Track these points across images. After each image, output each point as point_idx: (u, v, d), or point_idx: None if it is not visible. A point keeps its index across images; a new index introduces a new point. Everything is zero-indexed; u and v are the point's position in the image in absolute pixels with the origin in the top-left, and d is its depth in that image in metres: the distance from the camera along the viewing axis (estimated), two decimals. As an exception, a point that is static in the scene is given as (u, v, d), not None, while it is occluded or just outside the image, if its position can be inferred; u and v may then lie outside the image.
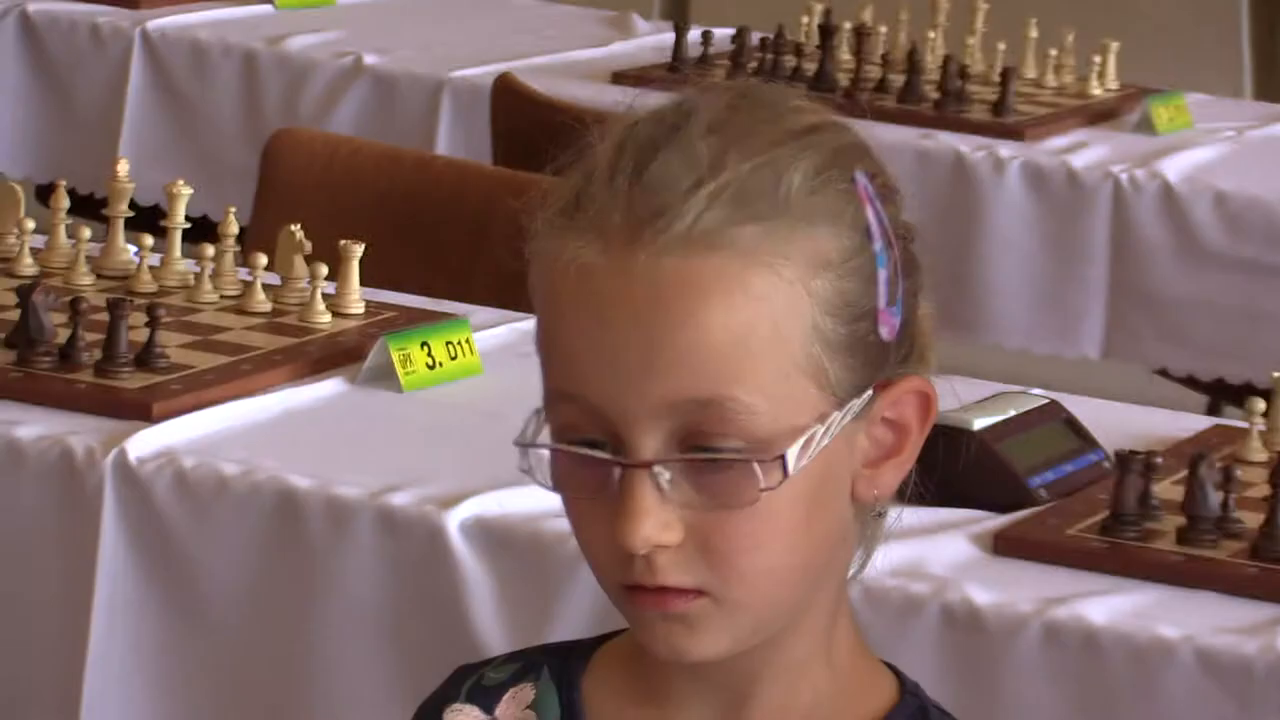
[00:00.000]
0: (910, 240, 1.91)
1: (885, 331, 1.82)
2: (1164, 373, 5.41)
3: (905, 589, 3.17)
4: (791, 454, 1.74)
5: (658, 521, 1.74)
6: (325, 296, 3.96)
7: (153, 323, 3.69)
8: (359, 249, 4.02)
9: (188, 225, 4.05)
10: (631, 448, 1.75)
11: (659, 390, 1.74)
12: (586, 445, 1.78)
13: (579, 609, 3.15)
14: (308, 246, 3.88)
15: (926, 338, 1.94)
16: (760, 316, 1.74)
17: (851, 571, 1.96)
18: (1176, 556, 3.23)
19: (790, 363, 1.76)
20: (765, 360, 1.75)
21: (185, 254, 4.04)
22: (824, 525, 1.82)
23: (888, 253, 1.83)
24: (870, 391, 1.81)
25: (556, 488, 1.82)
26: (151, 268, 4.08)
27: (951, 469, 3.28)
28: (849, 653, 1.92)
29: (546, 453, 1.80)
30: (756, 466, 1.73)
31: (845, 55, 5.79)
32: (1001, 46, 5.80)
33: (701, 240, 1.73)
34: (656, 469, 1.74)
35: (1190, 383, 5.44)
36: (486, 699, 2.03)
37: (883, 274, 1.81)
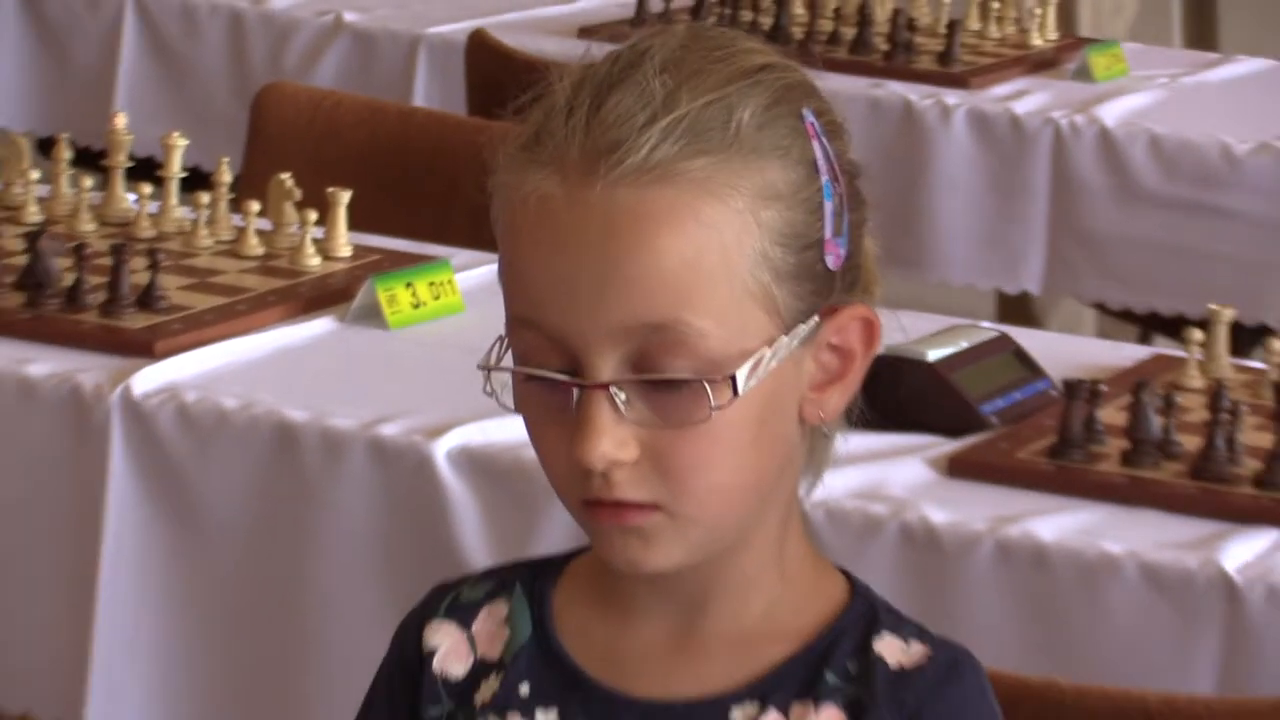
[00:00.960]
0: (856, 176, 1.92)
1: (831, 260, 1.83)
2: (1100, 306, 5.42)
3: (865, 510, 3.19)
4: (741, 375, 1.76)
5: (614, 439, 1.76)
6: (314, 241, 3.97)
7: (153, 266, 3.71)
8: (346, 196, 4.02)
9: (183, 175, 4.05)
10: (588, 370, 1.76)
11: (614, 315, 1.76)
12: (546, 365, 1.79)
13: (558, 531, 3.11)
14: (297, 194, 3.89)
15: (872, 270, 1.96)
16: (710, 244, 1.76)
17: (803, 491, 1.98)
18: (1120, 478, 3.27)
19: (740, 289, 1.78)
20: (715, 286, 1.77)
21: (181, 202, 4.06)
22: (772, 445, 1.85)
23: (834, 186, 1.84)
24: (816, 318, 1.83)
25: (518, 409, 1.84)
26: (150, 215, 4.09)
27: (908, 398, 3.35)
28: (800, 562, 1.94)
29: (509, 376, 1.82)
30: (707, 387, 1.75)
31: (799, 10, 5.77)
32: (947, 0, 5.78)
33: (655, 172, 1.75)
34: (613, 389, 1.76)
35: (1125, 315, 5.41)
36: (464, 614, 2.04)
37: (829, 206, 1.83)
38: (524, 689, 1.96)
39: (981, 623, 3.14)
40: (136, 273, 3.68)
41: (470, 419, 3.46)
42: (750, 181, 1.77)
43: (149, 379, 3.49)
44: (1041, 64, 5.66)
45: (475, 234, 4.18)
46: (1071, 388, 3.37)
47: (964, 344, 3.57)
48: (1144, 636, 3.13)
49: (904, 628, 1.90)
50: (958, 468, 3.35)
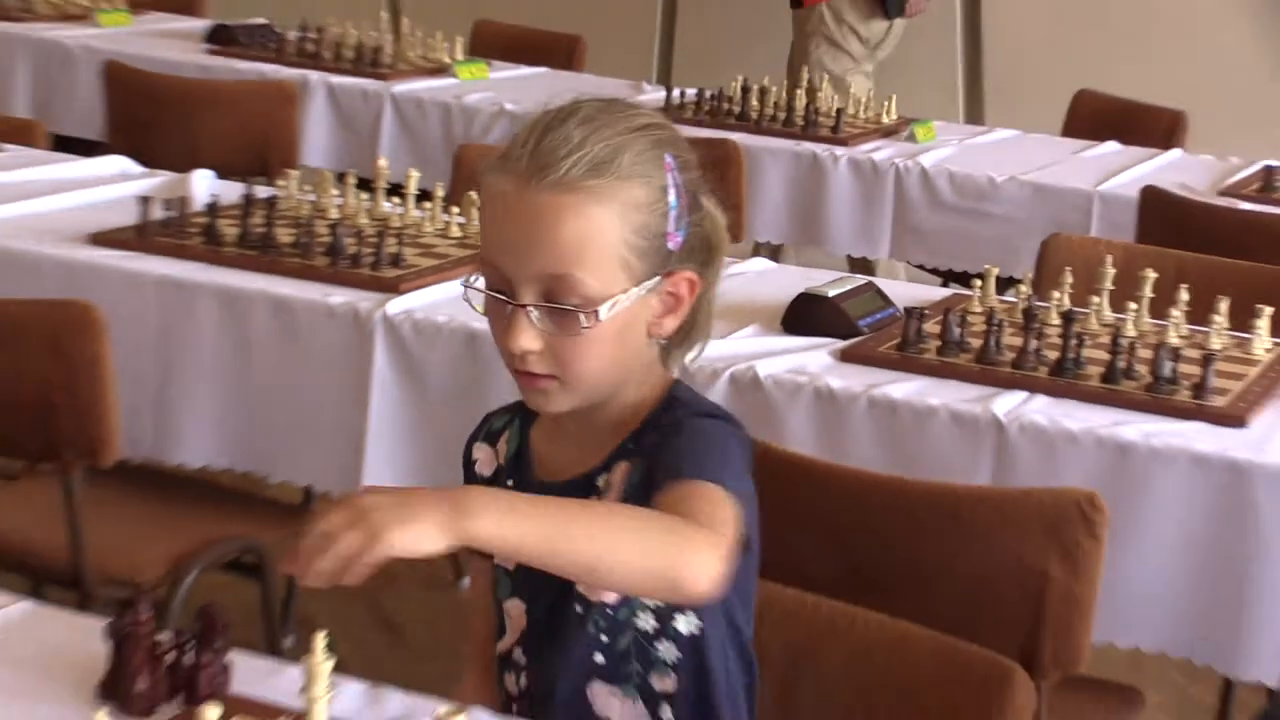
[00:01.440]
0: (698, 193, 2.00)
1: (671, 244, 1.96)
2: (920, 266, 5.50)
3: (793, 380, 3.26)
4: (604, 309, 1.91)
5: (528, 338, 1.91)
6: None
7: (400, 242, 3.69)
8: None
9: (416, 193, 4.08)
10: (517, 295, 1.91)
11: (533, 266, 1.90)
12: (497, 291, 1.93)
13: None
14: (478, 202, 3.92)
15: (716, 247, 2.05)
16: (593, 230, 1.90)
17: (690, 357, 2.10)
18: (936, 362, 3.33)
19: (610, 257, 1.92)
20: (594, 255, 1.91)
21: (415, 207, 4.08)
22: (625, 348, 1.97)
23: (679, 201, 1.95)
24: (659, 277, 1.97)
25: (483, 313, 1.97)
26: (398, 214, 4.07)
27: (818, 318, 3.44)
28: (649, 391, 2.03)
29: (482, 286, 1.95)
30: (582, 315, 1.90)
31: (754, 102, 5.70)
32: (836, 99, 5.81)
33: (565, 185, 1.88)
34: (529, 309, 1.91)
35: (933, 271, 5.48)
36: (492, 437, 2.17)
37: (673, 214, 1.94)
38: (510, 484, 2.10)
39: (860, 451, 3.17)
40: (390, 246, 3.68)
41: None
42: (623, 196, 1.91)
43: (397, 305, 3.48)
44: (889, 132, 5.69)
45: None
46: (909, 311, 3.41)
47: (847, 286, 3.60)
48: (953, 452, 3.15)
49: (682, 409, 1.98)
50: (847, 356, 3.37)
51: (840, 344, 3.45)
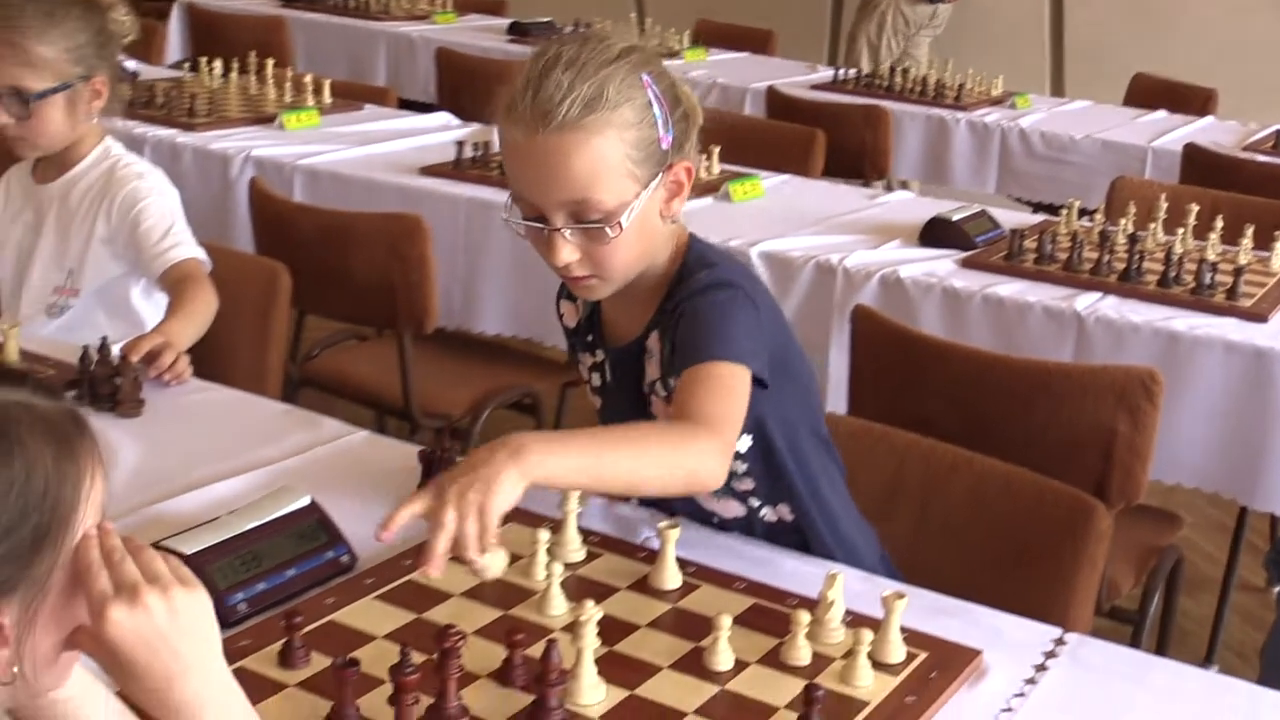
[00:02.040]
0: (677, 99, 1.75)
1: (664, 144, 1.71)
2: (1019, 199, 5.21)
3: (927, 280, 3.12)
4: (624, 219, 1.68)
5: (567, 252, 1.70)
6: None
7: None
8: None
9: None
10: (550, 221, 1.69)
11: (556, 197, 1.68)
12: (532, 219, 1.71)
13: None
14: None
15: (691, 118, 1.77)
16: (598, 158, 1.66)
17: (677, 221, 1.82)
18: (1032, 269, 3.16)
19: (617, 174, 1.67)
20: (604, 177, 1.67)
21: None
22: (646, 237, 1.73)
23: (661, 110, 1.70)
24: (660, 174, 1.72)
25: (524, 236, 1.76)
26: None
27: (945, 236, 3.26)
28: (673, 258, 1.80)
29: (519, 219, 1.73)
30: (607, 228, 1.68)
31: (898, 79, 5.52)
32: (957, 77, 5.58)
33: (566, 127, 1.64)
34: (563, 230, 1.69)
35: (1028, 203, 5.16)
36: (573, 297, 1.96)
37: (659, 121, 1.69)
38: (589, 339, 1.92)
39: (975, 335, 3.04)
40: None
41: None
42: (616, 121, 1.66)
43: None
44: (997, 101, 5.45)
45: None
46: (1013, 231, 3.27)
47: (966, 213, 3.44)
48: (1044, 338, 3.02)
49: (693, 281, 1.76)
50: (966, 264, 3.24)
51: (961, 255, 3.32)
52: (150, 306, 2.70)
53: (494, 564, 1.44)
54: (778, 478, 1.85)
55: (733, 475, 1.84)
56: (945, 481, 2.06)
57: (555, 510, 1.84)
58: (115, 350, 2.21)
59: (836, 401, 3.12)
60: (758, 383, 1.68)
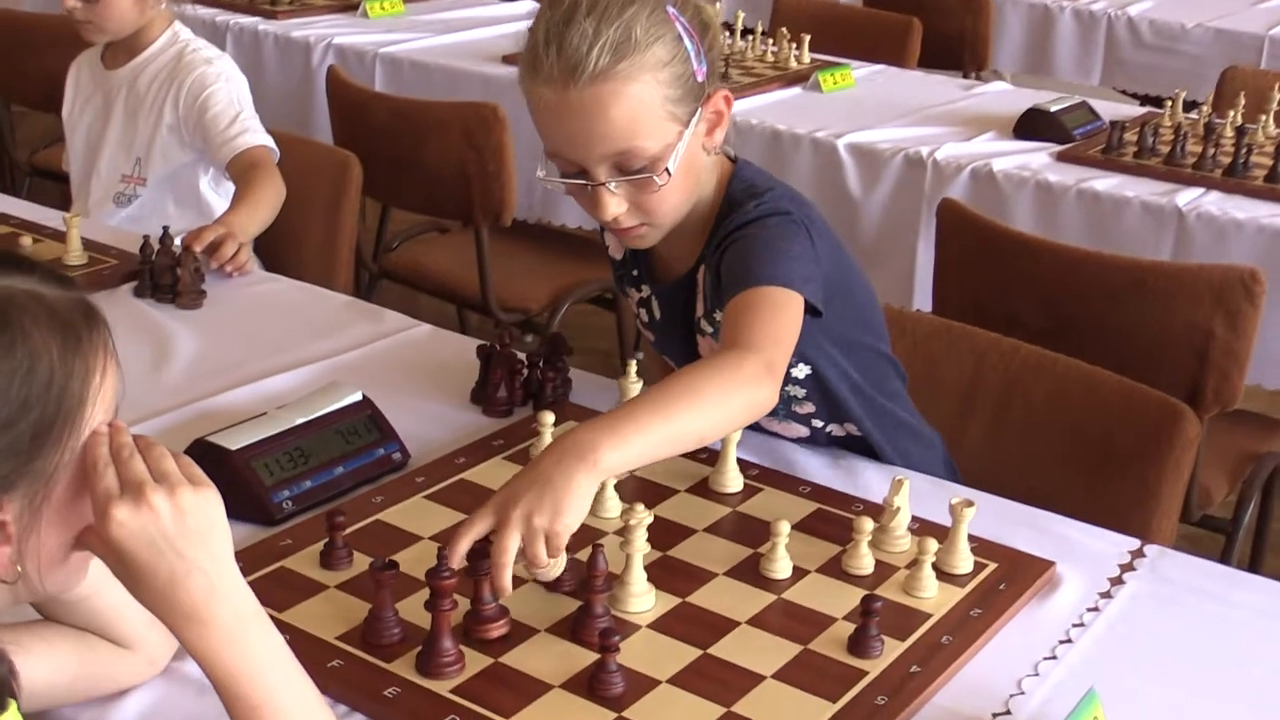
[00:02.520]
0: (704, 24, 1.64)
1: (699, 77, 1.60)
2: (1124, 91, 5.00)
3: (1020, 174, 3.02)
4: (671, 163, 1.58)
5: (614, 205, 1.60)
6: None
7: None
8: None
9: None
10: (593, 176, 1.59)
11: (599, 151, 1.57)
12: (573, 176, 1.61)
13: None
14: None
15: (715, 62, 1.65)
16: (636, 104, 1.55)
17: (724, 149, 1.73)
18: (1132, 163, 3.05)
19: (658, 118, 1.57)
20: (645, 123, 1.56)
21: None
22: (692, 178, 1.64)
23: (692, 42, 1.59)
24: (699, 109, 1.61)
25: (566, 193, 1.67)
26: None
27: (1041, 128, 3.14)
28: (718, 189, 1.71)
29: (557, 177, 1.64)
30: (655, 176, 1.58)
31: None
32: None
33: (598, 77, 1.53)
34: (608, 184, 1.59)
35: (1134, 95, 4.96)
36: None
37: (692, 54, 1.58)
38: (634, 273, 1.83)
39: (1069, 232, 2.93)
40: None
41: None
42: (649, 62, 1.55)
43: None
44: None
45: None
46: (1113, 123, 3.14)
47: (1066, 104, 3.32)
48: (1142, 234, 2.91)
49: (739, 211, 1.67)
50: (1062, 157, 3.12)
51: (1058, 148, 3.19)
52: (219, 196, 2.67)
53: (554, 570, 1.36)
54: (838, 402, 1.77)
55: (792, 400, 1.77)
56: (1026, 383, 1.96)
57: (610, 405, 1.78)
58: (177, 241, 2.17)
59: (922, 299, 3.03)
60: (811, 311, 1.59)
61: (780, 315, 1.54)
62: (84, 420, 1.04)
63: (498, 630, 1.34)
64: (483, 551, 1.32)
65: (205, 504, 1.05)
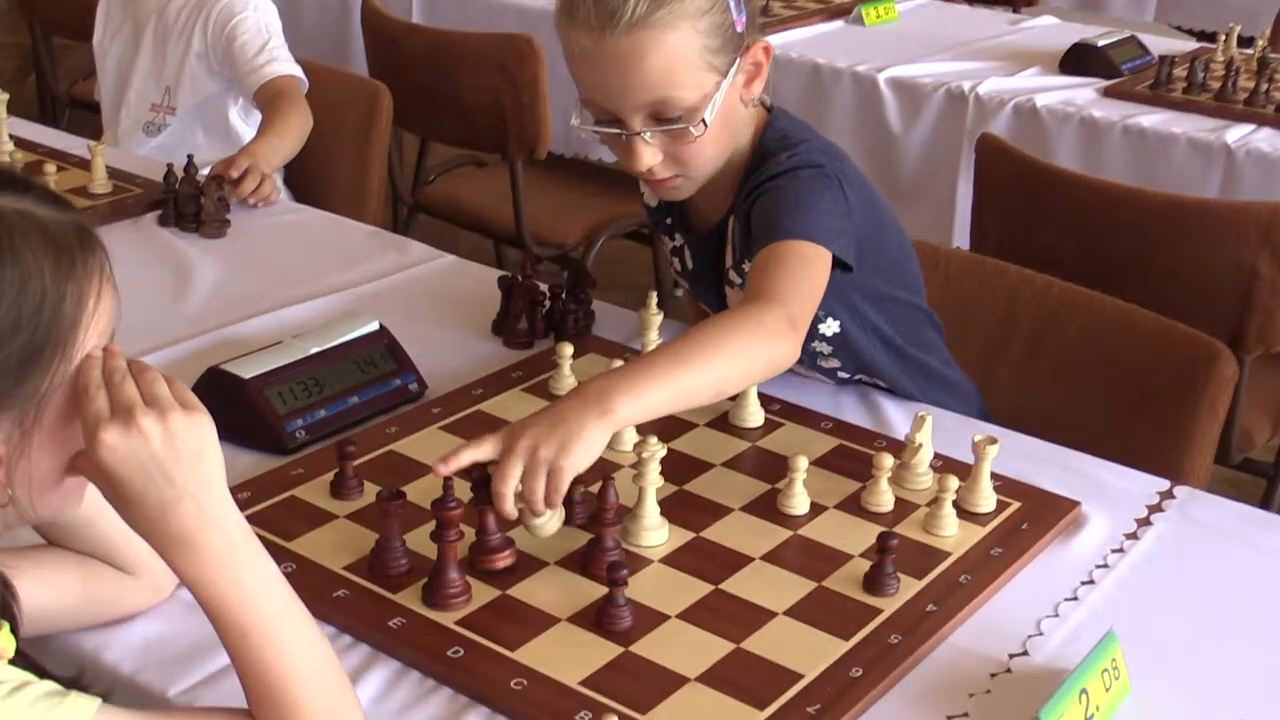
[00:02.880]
0: None
1: (739, 26, 1.56)
2: (1178, 27, 4.89)
3: (1064, 110, 2.96)
4: (708, 114, 1.54)
5: (649, 156, 1.56)
6: None
7: None
8: None
9: None
10: (628, 126, 1.55)
11: (635, 99, 1.53)
12: (607, 124, 1.57)
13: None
14: None
15: (756, 24, 1.61)
16: (674, 53, 1.51)
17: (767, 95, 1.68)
18: (1181, 99, 2.99)
19: (695, 68, 1.53)
20: (682, 72, 1.52)
21: None
22: (729, 130, 1.60)
23: None
24: (738, 59, 1.57)
25: (600, 142, 1.63)
26: None
27: (1087, 62, 3.07)
28: (752, 140, 1.65)
29: (592, 124, 1.59)
30: (691, 127, 1.54)
31: None
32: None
33: (637, 25, 1.49)
34: (643, 134, 1.55)
35: (1189, 32, 4.84)
36: None
37: (731, 2, 1.54)
38: (668, 221, 1.78)
39: (1113, 169, 2.87)
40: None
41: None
42: (688, 10, 1.51)
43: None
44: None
45: None
46: (1162, 58, 3.07)
47: (1113, 38, 3.25)
48: (1189, 172, 2.84)
49: (771, 162, 1.62)
50: (1108, 93, 3.05)
51: (1104, 83, 3.12)
52: (249, 126, 2.65)
53: (548, 525, 1.32)
54: (867, 358, 1.73)
55: (818, 355, 1.74)
56: (1060, 321, 1.92)
57: (634, 340, 1.76)
58: (204, 171, 2.16)
59: (961, 237, 2.98)
60: (841, 266, 1.55)
61: (806, 269, 1.51)
62: (76, 345, 1.02)
63: (503, 561, 1.32)
64: (487, 481, 1.29)
65: (196, 428, 1.02)
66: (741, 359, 1.42)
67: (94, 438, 1.00)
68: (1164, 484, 1.55)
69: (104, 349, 1.05)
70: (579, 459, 1.29)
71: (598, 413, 1.30)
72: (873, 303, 1.72)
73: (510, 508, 1.28)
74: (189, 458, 1.01)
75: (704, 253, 1.75)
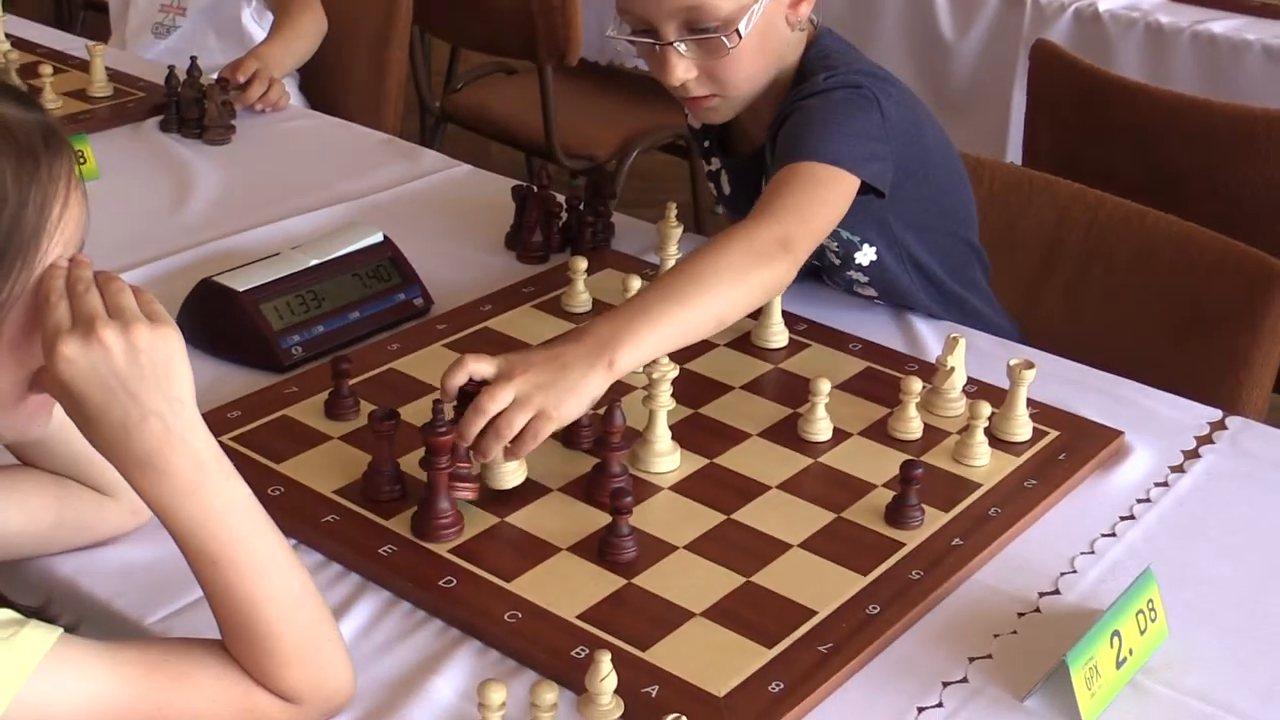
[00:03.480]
0: None
1: None
2: None
3: (1128, 15, 2.88)
4: (743, 25, 1.50)
5: (683, 69, 1.53)
6: None
7: None
8: None
9: None
10: (662, 35, 1.51)
11: (667, 6, 1.49)
12: (641, 34, 1.54)
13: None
14: None
15: None
16: None
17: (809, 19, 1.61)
18: (1257, 3, 2.88)
19: None
20: None
21: None
22: (769, 47, 1.55)
23: None
24: None
25: (636, 55, 1.59)
26: None
27: None
28: (794, 63, 1.60)
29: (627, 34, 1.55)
30: (724, 37, 1.50)
31: None
32: None
33: None
34: (676, 45, 1.51)
35: None
36: None
37: None
38: (705, 145, 1.74)
39: (1179, 79, 2.79)
40: None
41: None
42: None
43: None
44: None
45: None
46: None
47: None
48: (1262, 82, 2.75)
49: (819, 71, 1.57)
50: None
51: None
52: (262, 29, 2.60)
53: (509, 475, 1.29)
54: (904, 289, 1.69)
55: (854, 284, 1.70)
56: (1112, 239, 1.86)
57: (650, 253, 1.71)
58: (213, 76, 2.12)
59: (1015, 151, 2.91)
60: (873, 191, 1.51)
61: (816, 191, 1.47)
62: (38, 254, 0.98)
63: (464, 493, 1.27)
64: (464, 395, 1.25)
65: (163, 342, 0.99)
66: (739, 287, 1.38)
67: (53, 350, 0.97)
68: (1215, 414, 1.50)
69: (70, 259, 1.01)
70: (569, 412, 1.26)
71: (601, 366, 1.27)
72: (914, 232, 1.67)
73: (473, 433, 1.24)
74: (154, 374, 0.98)
75: (743, 178, 1.72)
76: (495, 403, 1.24)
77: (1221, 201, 2.21)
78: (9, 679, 0.90)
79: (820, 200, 1.46)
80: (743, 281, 1.37)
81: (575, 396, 1.26)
